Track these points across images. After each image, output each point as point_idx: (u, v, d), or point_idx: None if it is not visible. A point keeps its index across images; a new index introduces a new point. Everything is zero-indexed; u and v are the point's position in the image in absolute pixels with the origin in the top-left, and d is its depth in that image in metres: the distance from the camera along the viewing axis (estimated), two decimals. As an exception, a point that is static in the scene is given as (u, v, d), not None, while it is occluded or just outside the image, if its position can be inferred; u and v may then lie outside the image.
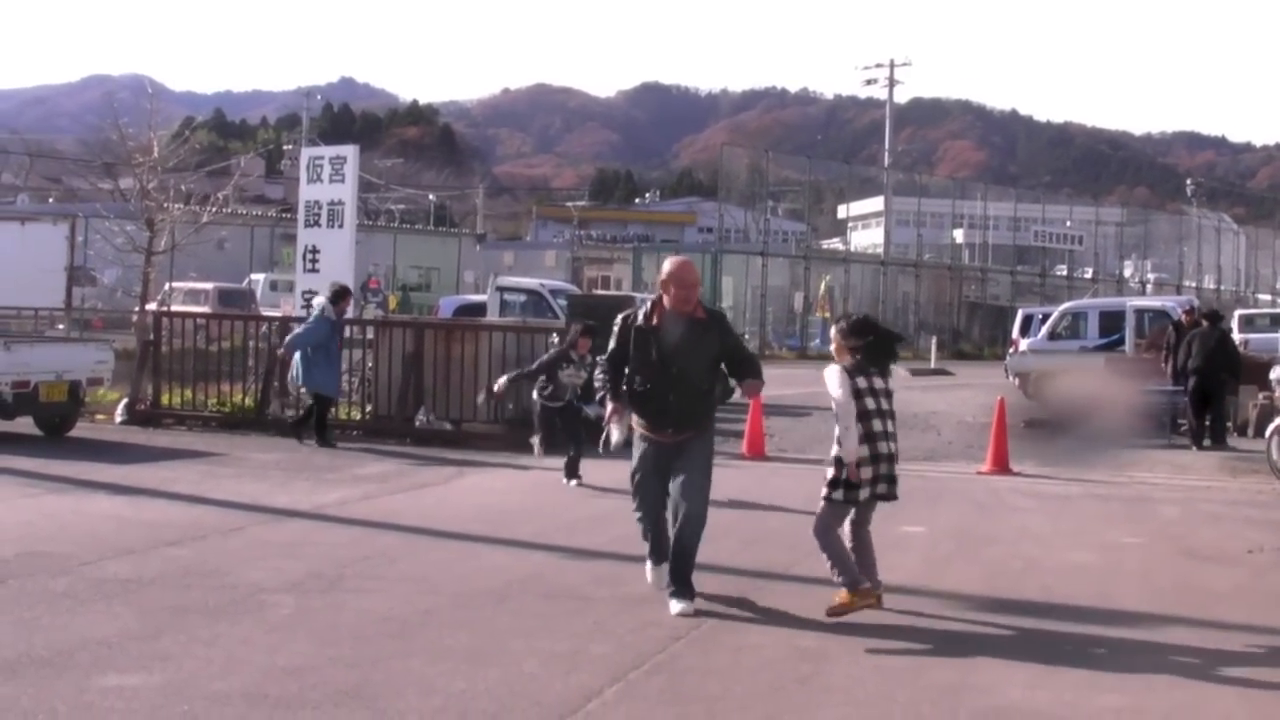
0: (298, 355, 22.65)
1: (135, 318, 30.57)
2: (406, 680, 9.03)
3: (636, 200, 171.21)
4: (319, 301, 23.36)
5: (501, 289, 33.79)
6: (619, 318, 12.04)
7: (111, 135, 35.23)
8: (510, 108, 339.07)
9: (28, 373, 21.91)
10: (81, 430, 23.47)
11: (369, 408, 24.81)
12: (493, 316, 30.56)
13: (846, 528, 11.32)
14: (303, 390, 23.29)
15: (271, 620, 10.49)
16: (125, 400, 25.60)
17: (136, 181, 30.32)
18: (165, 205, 29.58)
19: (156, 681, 8.64)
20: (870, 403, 11.16)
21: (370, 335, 25.53)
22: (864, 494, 11.06)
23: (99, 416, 25.39)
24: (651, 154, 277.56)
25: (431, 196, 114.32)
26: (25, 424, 22.84)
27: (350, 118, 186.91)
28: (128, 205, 33.14)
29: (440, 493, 18.33)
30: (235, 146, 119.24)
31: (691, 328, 11.47)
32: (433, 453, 22.04)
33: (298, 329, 22.92)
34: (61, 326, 33.02)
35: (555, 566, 13.26)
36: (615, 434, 12.07)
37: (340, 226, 26.41)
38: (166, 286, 40.66)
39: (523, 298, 34.56)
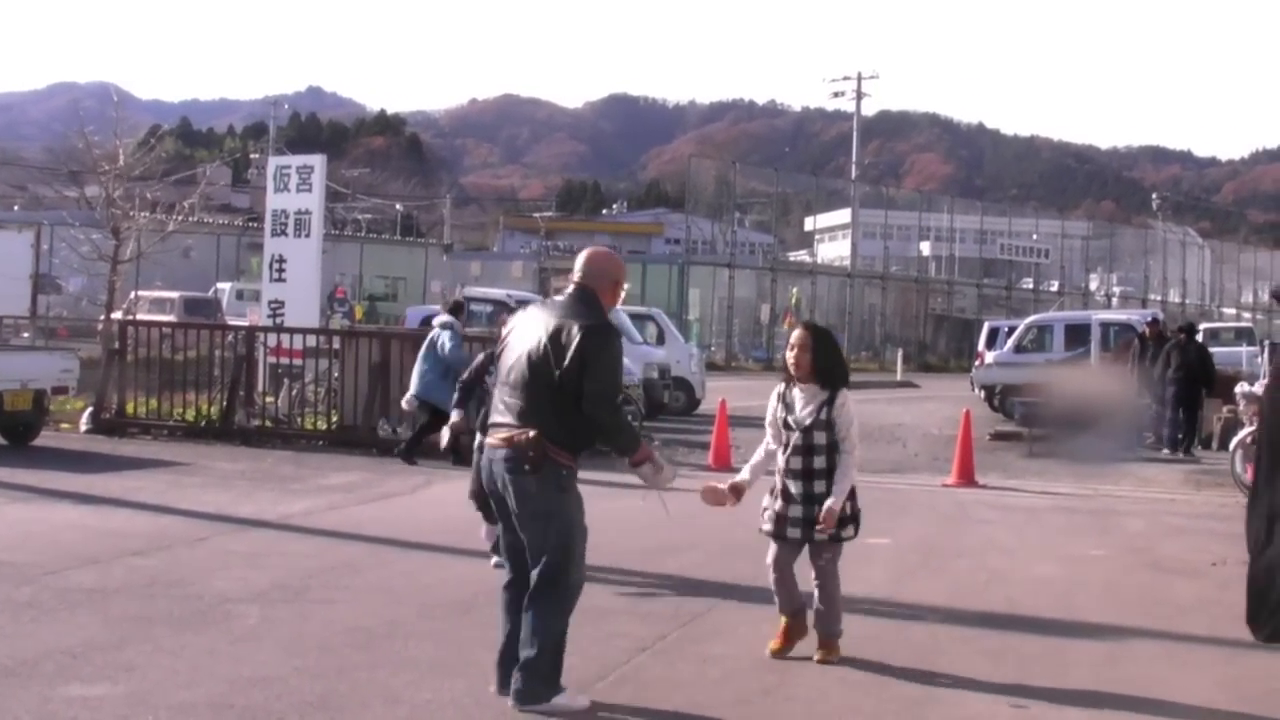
0: (417, 370, 22.00)
1: (101, 326, 30.52)
2: (372, 691, 9.02)
3: (604, 211, 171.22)
4: (446, 319, 22.63)
5: (468, 299, 33.74)
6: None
7: (77, 143, 35.17)
8: (478, 118, 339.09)
9: (-8, 381, 21.83)
10: (46, 439, 23.39)
11: (335, 418, 24.76)
12: (459, 327, 30.48)
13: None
14: (406, 407, 22.28)
15: (237, 630, 10.47)
16: (90, 409, 25.52)
17: (102, 190, 30.29)
18: (131, 214, 29.51)
19: (121, 692, 8.62)
20: None
21: (336, 345, 25.47)
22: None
23: (64, 425, 25.31)
24: (619, 165, 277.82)
25: (398, 206, 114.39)
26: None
27: (317, 127, 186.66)
28: (93, 213, 33.06)
29: (406, 503, 18.32)
30: (202, 155, 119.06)
31: None
32: (398, 463, 22.01)
33: (448, 347, 21.95)
34: (26, 335, 32.92)
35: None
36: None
37: (307, 236, 26.35)
38: (132, 295, 40.64)
39: (489, 308, 34.54)
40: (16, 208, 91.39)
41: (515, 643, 8.76)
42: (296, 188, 26.57)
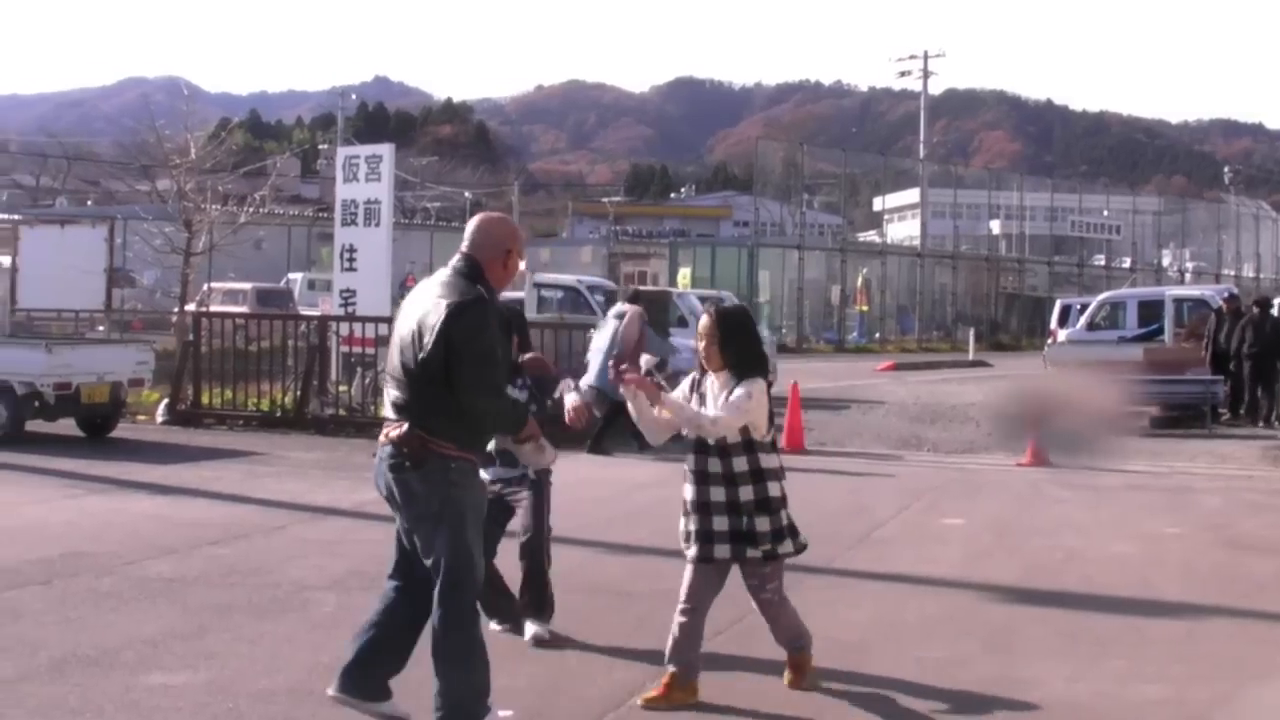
0: (596, 360, 22.03)
1: (175, 318, 30.73)
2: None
3: (672, 195, 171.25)
4: (626, 308, 22.70)
5: (539, 285, 33.81)
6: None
7: (148, 137, 35.45)
8: (544, 104, 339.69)
9: (69, 374, 21.99)
10: (123, 431, 23.55)
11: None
12: (530, 313, 30.54)
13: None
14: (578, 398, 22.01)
15: (315, 618, 10.55)
16: (166, 400, 25.69)
17: (174, 183, 30.51)
18: (203, 206, 29.75)
19: (201, 679, 8.70)
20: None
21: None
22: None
23: (140, 417, 25.48)
24: (686, 149, 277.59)
25: (467, 194, 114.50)
26: (67, 425, 22.94)
27: (385, 116, 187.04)
28: (166, 207, 33.31)
29: (480, 489, 18.35)
30: (271, 147, 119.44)
31: None
32: (472, 450, 22.01)
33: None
34: (102, 328, 33.17)
35: (595, 561, 13.30)
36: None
37: (377, 225, 26.43)
38: (205, 287, 40.83)
39: (560, 294, 34.61)
40: (90, 203, 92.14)
41: (373, 645, 8.05)
42: (365, 177, 26.64)
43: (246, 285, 48.29)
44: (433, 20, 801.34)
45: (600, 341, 22.03)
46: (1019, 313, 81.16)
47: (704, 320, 8.93)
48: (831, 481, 19.20)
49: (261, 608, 10.74)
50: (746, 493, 8.56)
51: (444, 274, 7.84)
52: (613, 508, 16.90)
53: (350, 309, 26.18)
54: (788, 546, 8.76)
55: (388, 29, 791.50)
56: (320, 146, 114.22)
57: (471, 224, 8.08)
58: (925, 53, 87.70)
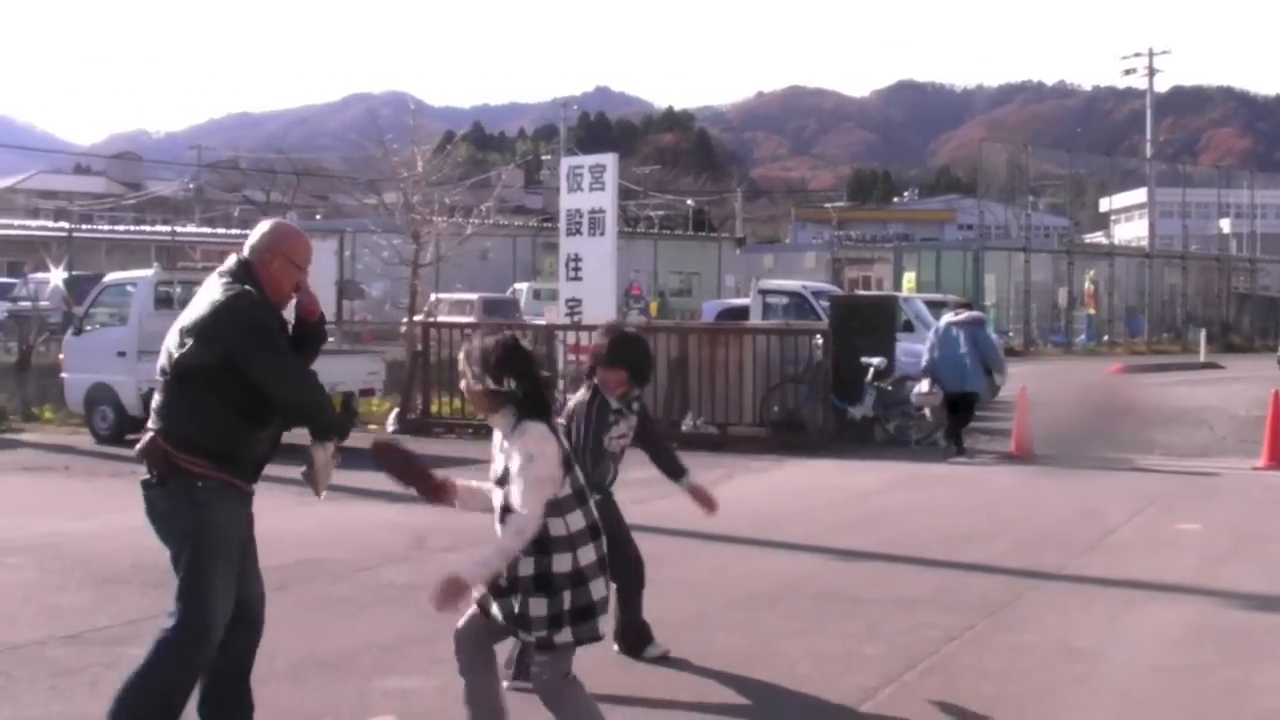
0: (944, 361, 22.64)
1: (403, 329, 31.10)
2: (680, 683, 9.07)
3: (895, 199, 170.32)
4: (975, 315, 23.59)
5: (764, 292, 33.73)
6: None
7: (375, 152, 35.91)
8: (765, 111, 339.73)
9: (302, 385, 22.34)
10: (355, 440, 23.84)
11: (635, 413, 24.90)
12: (756, 319, 30.51)
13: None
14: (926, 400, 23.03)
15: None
16: (396, 410, 26.04)
17: (401, 196, 30.87)
18: (429, 218, 30.07)
19: (434, 685, 8.77)
20: (578, 475, 7.04)
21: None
22: (602, 626, 7.03)
23: (371, 426, 25.83)
24: (908, 152, 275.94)
25: (690, 202, 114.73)
26: (300, 435, 23.26)
27: (606, 126, 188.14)
28: (393, 219, 33.71)
29: (708, 496, 18.33)
30: (494, 159, 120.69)
31: None
32: (700, 457, 22.04)
33: (995, 341, 23.14)
34: (332, 339, 33.70)
35: (826, 568, 13.23)
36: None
37: (602, 234, 26.54)
38: (433, 298, 41.34)
39: (785, 300, 34.47)
40: (318, 217, 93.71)
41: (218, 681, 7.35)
42: (589, 187, 26.76)
43: (473, 295, 48.76)
44: (652, 30, 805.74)
45: (950, 347, 22.59)
46: (1251, 313, 79.51)
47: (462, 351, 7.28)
48: (1062, 486, 18.94)
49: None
50: (526, 566, 6.73)
51: (215, 276, 7.30)
52: (843, 513, 16.80)
53: (576, 318, 26.31)
54: (566, 635, 6.79)
55: (608, 40, 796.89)
56: (543, 157, 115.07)
57: (255, 229, 7.53)
58: (1150, 50, 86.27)
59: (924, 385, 22.73)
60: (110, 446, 22.74)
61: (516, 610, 6.74)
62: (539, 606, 6.70)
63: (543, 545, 6.66)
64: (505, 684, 8.51)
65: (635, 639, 9.74)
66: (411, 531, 14.82)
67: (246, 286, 7.11)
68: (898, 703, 8.68)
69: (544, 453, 6.64)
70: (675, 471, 9.72)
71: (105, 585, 10.88)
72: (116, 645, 9.65)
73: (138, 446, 7.14)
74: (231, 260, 7.32)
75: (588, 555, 6.77)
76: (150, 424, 7.17)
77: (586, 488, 6.97)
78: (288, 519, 15.91)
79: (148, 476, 7.06)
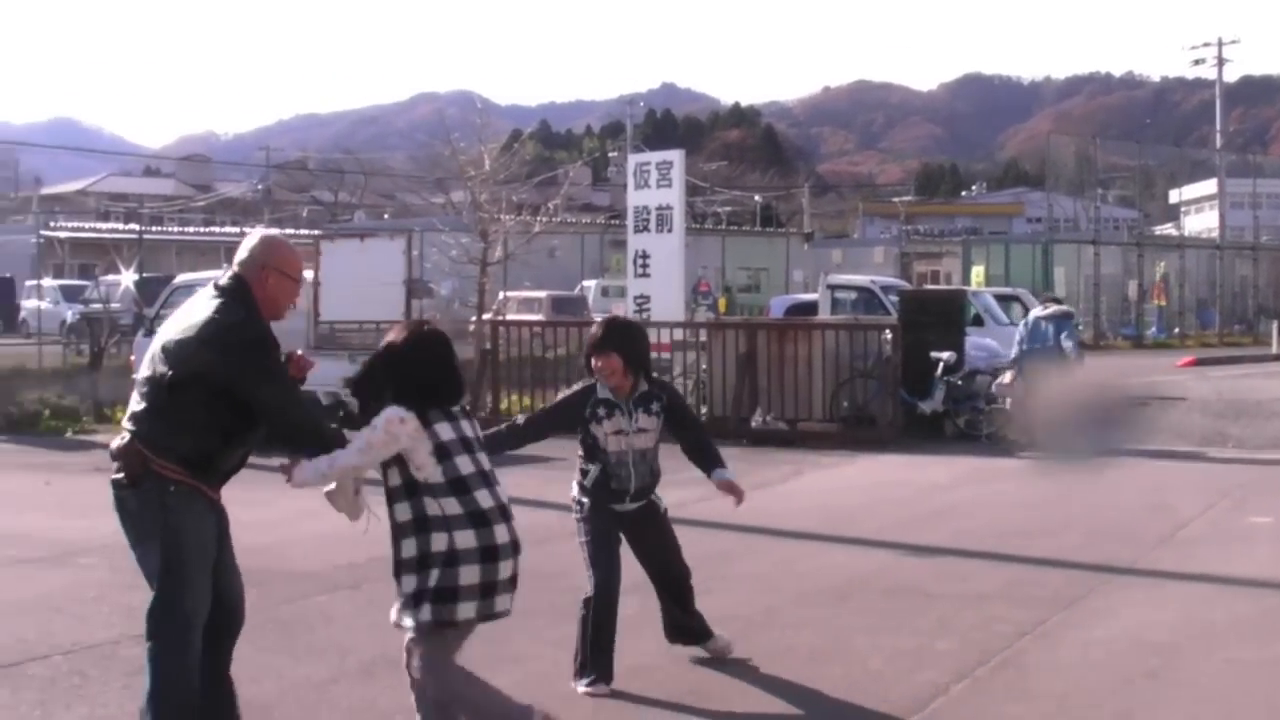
0: (1014, 352, 23.44)
1: (472, 327, 31.16)
2: (751, 679, 9.09)
3: (963, 193, 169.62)
4: (1062, 309, 24.02)
5: (832, 287, 33.65)
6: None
7: (442, 151, 36.00)
8: (831, 105, 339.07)
9: (372, 384, 22.41)
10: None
11: (704, 409, 24.93)
12: (824, 315, 30.46)
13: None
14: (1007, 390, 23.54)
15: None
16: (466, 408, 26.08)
17: (468, 195, 30.95)
18: (497, 216, 30.12)
19: (505, 682, 8.77)
20: (466, 464, 7.32)
21: (703, 338, 25.65)
22: (466, 610, 7.22)
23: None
24: (976, 146, 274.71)
25: (757, 197, 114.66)
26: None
27: (673, 123, 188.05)
28: (460, 218, 33.80)
29: (778, 492, 18.33)
30: (561, 156, 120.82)
31: None
32: (769, 453, 22.06)
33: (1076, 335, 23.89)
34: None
35: (896, 563, 13.21)
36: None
37: (669, 231, 26.56)
38: (501, 296, 41.40)
39: (854, 295, 34.39)
40: (386, 216, 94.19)
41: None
42: (656, 184, 26.79)
43: (542, 293, 48.81)
44: (718, 26, 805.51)
45: (1039, 341, 23.10)
46: (1325, 305, 78.87)
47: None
48: (1133, 480, 18.83)
49: (564, 610, 10.80)
50: (408, 548, 7.17)
51: (210, 289, 7.37)
52: (913, 508, 16.77)
53: (644, 315, 26.34)
54: (425, 614, 7.12)
55: (674, 36, 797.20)
56: (610, 154, 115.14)
57: (245, 240, 7.59)
58: (1219, 39, 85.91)
59: (1007, 377, 22.90)
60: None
61: (398, 590, 7.18)
62: (409, 584, 7.12)
63: (422, 525, 7.09)
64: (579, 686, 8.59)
65: (688, 637, 9.69)
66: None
67: (242, 306, 7.21)
68: (970, 698, 8.67)
69: (384, 425, 7.06)
70: (708, 464, 9.51)
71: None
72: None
73: (112, 445, 7.30)
74: (226, 275, 7.41)
75: (466, 540, 7.03)
76: (126, 425, 7.31)
77: (479, 479, 7.22)
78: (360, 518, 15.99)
79: (118, 476, 7.23)
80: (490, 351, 26.40)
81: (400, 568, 7.16)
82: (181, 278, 27.23)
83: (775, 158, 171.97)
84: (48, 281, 56.18)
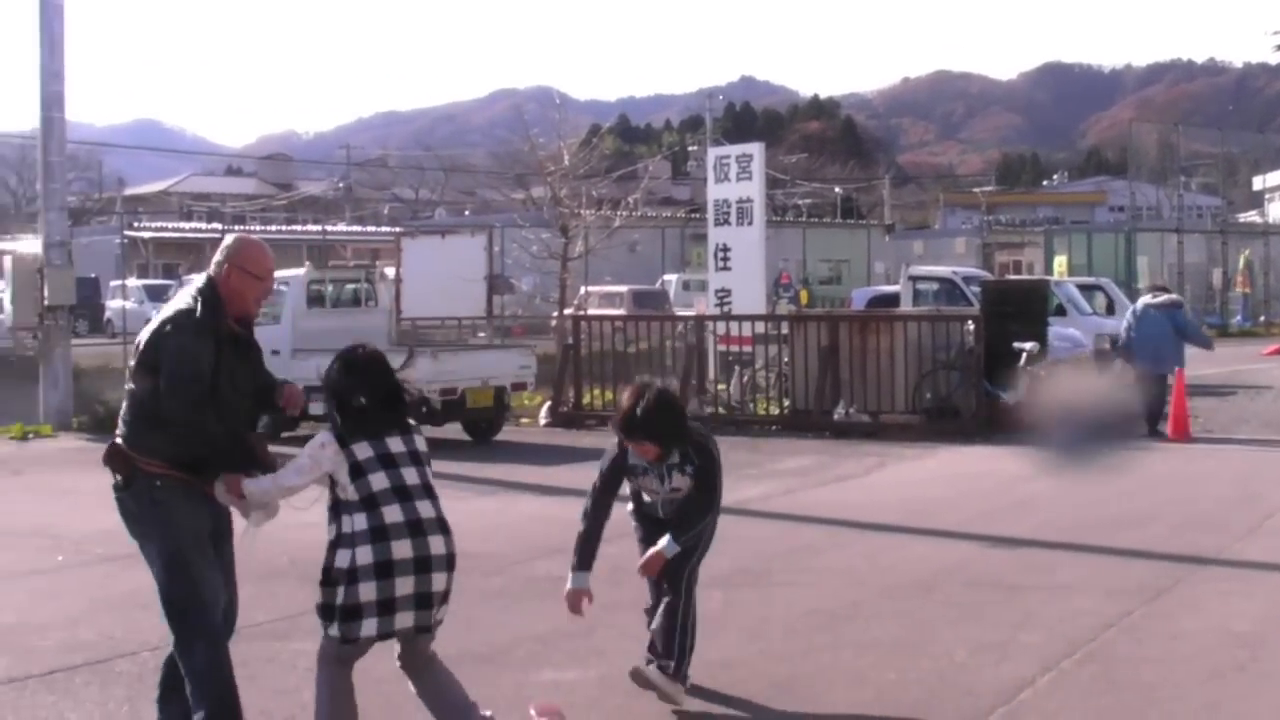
0: (1144, 342, 23.24)
1: (554, 322, 31.24)
2: (836, 672, 9.06)
3: (1044, 182, 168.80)
4: (1173, 297, 24.11)
5: (914, 278, 33.51)
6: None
7: (521, 146, 36.14)
8: (911, 96, 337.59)
9: (454, 380, 22.57)
10: (507, 434, 24.01)
11: (786, 402, 24.88)
12: (906, 306, 30.35)
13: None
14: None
15: (701, 614, 10.59)
16: (548, 403, 26.13)
17: (548, 190, 31.05)
18: (577, 212, 30.19)
19: (592, 676, 8.81)
20: (381, 480, 7.30)
21: (785, 330, 25.59)
22: (368, 628, 7.18)
23: (523, 420, 25.97)
24: (1057, 135, 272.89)
25: (837, 189, 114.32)
26: (453, 429, 23.51)
27: (752, 116, 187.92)
28: (541, 214, 33.90)
29: (861, 485, 18.29)
30: (641, 150, 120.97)
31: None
32: (852, 445, 21.99)
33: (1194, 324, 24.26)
34: (483, 334, 33.89)
35: (980, 555, 13.15)
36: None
37: (750, 224, 26.53)
38: (582, 291, 41.46)
39: (936, 286, 34.23)
40: (467, 212, 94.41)
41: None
42: (736, 177, 26.78)
43: (623, 288, 48.86)
44: (796, 18, 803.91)
45: (1148, 329, 22.92)
46: None
47: None
48: (1220, 469, 18.70)
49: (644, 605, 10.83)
50: (326, 559, 7.26)
51: (183, 290, 7.82)
52: (996, 500, 16.68)
53: (726, 308, 26.34)
54: (334, 630, 7.21)
55: (752, 29, 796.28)
56: (689, 148, 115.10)
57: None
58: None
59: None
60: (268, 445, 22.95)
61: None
62: (320, 594, 7.18)
63: (335, 541, 7.18)
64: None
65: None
66: (564, 524, 14.87)
67: (197, 300, 7.43)
68: (1056, 691, 8.61)
69: (309, 450, 7.28)
70: (672, 531, 8.76)
71: (262, 581, 10.97)
72: (275, 640, 9.77)
73: (104, 454, 7.45)
74: (202, 276, 7.66)
75: (365, 556, 7.04)
76: (117, 431, 7.51)
77: (393, 495, 7.23)
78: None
79: (115, 480, 7.43)
80: (572, 346, 26.41)
81: (321, 580, 7.22)
82: (264, 276, 27.32)
83: (855, 149, 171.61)
84: (132, 281, 56.62)
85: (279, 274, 26.42)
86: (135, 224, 71.43)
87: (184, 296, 7.55)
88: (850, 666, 9.18)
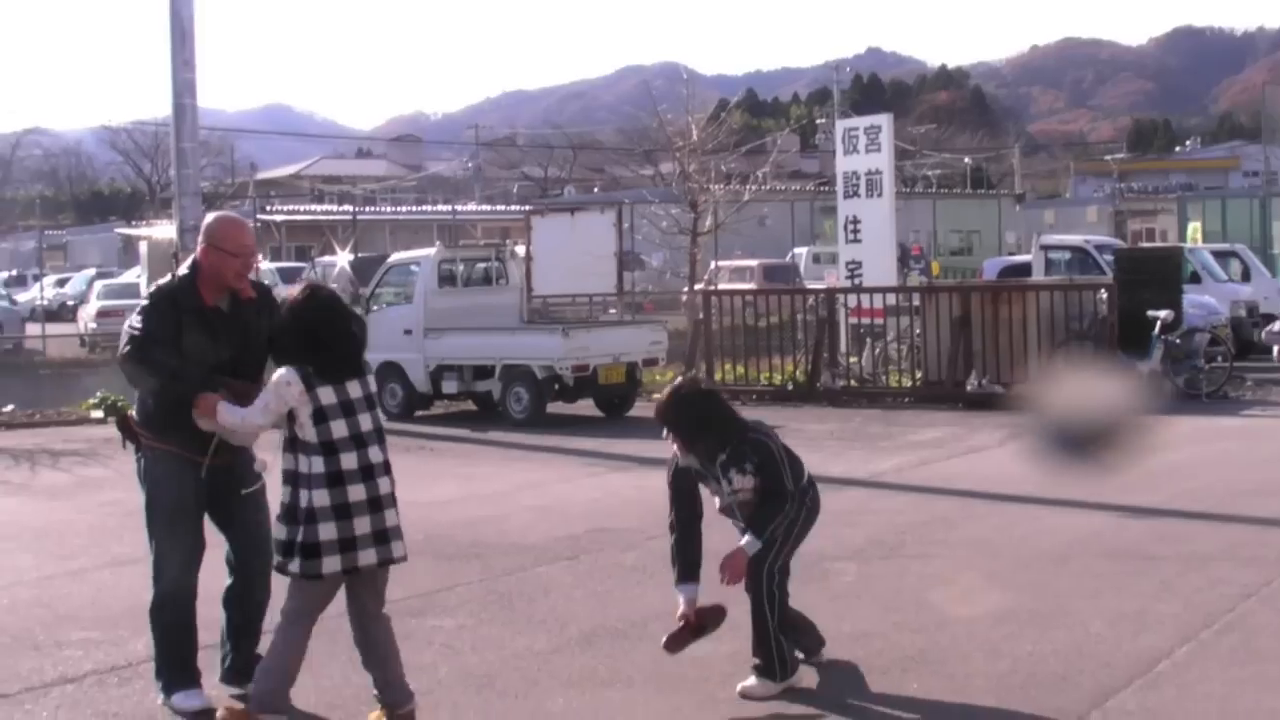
0: None
1: (684, 298, 31.28)
2: (972, 644, 9.04)
3: (1176, 149, 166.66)
4: None
5: (1046, 247, 33.26)
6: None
7: (650, 123, 36.18)
8: (1040, 64, 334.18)
9: (586, 357, 22.68)
10: (639, 409, 24.06)
11: (919, 374, 24.81)
12: (1038, 276, 30.14)
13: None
14: None
15: (835, 588, 10.61)
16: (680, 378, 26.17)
17: (677, 166, 31.07)
18: (706, 187, 30.19)
19: (727, 650, 8.83)
20: (341, 428, 7.57)
21: (917, 302, 25.50)
22: (330, 564, 7.48)
23: (655, 396, 25.99)
24: (1188, 100, 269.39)
25: (967, 159, 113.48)
26: (586, 406, 23.64)
27: (879, 87, 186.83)
28: (670, 189, 33.94)
29: (996, 456, 18.21)
30: (769, 124, 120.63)
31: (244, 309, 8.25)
32: (985, 416, 21.88)
33: None
34: (614, 310, 34.01)
35: (1115, 525, 13.05)
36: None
37: (879, 195, 26.45)
38: (712, 265, 41.49)
39: (1068, 255, 33.95)
40: (595, 190, 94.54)
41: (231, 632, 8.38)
42: (865, 148, 26.70)
43: (753, 262, 48.81)
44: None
45: None
46: None
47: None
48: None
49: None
50: (283, 495, 7.59)
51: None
52: (1131, 469, 16.52)
53: (857, 280, 26.27)
54: (295, 566, 7.48)
55: (877, 1, 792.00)
56: (817, 121, 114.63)
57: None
58: None
59: (1277, 325, 22.97)
60: (400, 423, 23.12)
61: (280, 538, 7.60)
62: (279, 531, 7.57)
63: (291, 479, 7.55)
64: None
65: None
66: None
67: (175, 278, 8.13)
68: (1195, 662, 8.56)
69: (275, 389, 7.55)
70: (749, 528, 8.60)
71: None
72: (411, 617, 9.87)
73: (115, 421, 8.37)
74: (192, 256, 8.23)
75: (321, 499, 7.40)
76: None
77: (351, 442, 7.55)
78: (577, 489, 16.17)
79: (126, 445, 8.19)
80: (703, 321, 26.45)
81: (279, 515, 7.59)
82: (395, 256, 27.53)
83: (984, 119, 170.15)
84: (265, 264, 57.15)
85: (410, 254, 26.82)
86: (267, 207, 72.11)
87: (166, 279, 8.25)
88: (985, 638, 9.15)
